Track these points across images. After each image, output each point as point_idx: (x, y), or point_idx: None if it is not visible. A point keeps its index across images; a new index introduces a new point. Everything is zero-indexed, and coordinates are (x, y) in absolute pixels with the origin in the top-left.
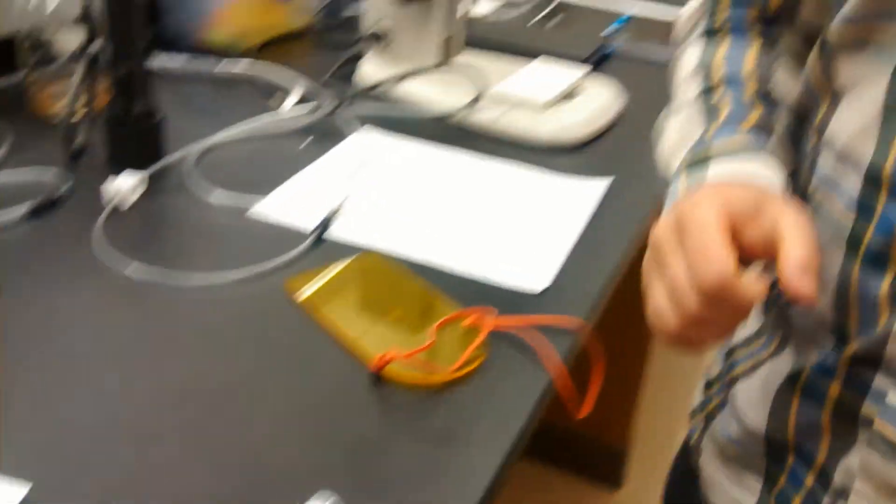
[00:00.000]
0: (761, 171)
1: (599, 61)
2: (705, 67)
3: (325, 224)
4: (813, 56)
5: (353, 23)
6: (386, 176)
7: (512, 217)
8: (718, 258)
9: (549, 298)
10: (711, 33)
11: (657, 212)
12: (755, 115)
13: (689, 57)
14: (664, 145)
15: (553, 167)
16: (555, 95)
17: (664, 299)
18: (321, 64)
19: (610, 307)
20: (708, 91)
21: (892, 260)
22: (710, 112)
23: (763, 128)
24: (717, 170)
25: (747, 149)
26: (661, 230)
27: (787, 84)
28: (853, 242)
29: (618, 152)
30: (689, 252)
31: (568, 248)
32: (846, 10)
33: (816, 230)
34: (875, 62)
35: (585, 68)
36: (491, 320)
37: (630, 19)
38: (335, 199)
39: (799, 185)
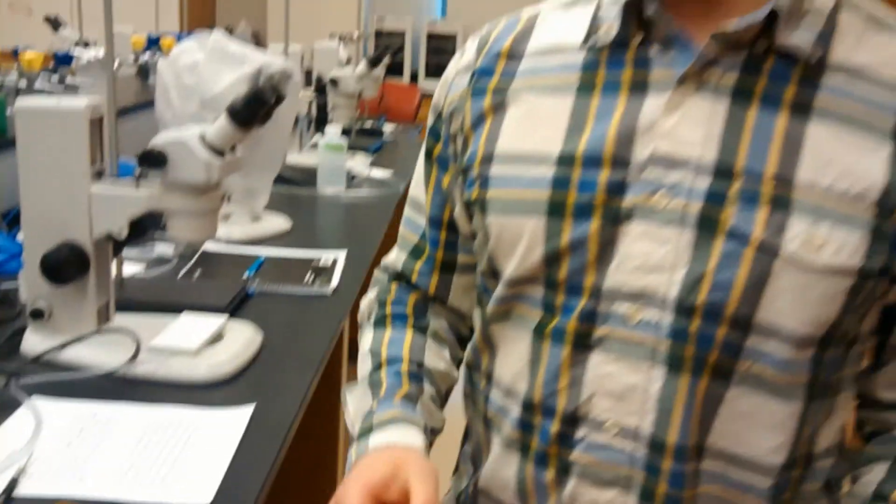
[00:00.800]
0: (404, 439)
1: (241, 302)
2: (374, 350)
3: (10, 486)
4: (477, 326)
5: (11, 297)
6: (64, 434)
7: (178, 448)
8: None
9: None
10: (380, 322)
11: (296, 427)
12: (405, 389)
13: (365, 340)
14: (348, 416)
15: (209, 401)
16: (203, 342)
17: None
18: None
19: None
20: (376, 369)
21: (552, 457)
22: (375, 387)
23: (412, 397)
24: (375, 440)
25: (396, 420)
26: None
27: (443, 350)
28: (524, 448)
29: (261, 381)
30: None
31: (225, 467)
32: (496, 294)
33: (498, 441)
34: (519, 328)
35: (225, 315)
36: None
37: (265, 261)
38: (17, 463)
39: (478, 411)
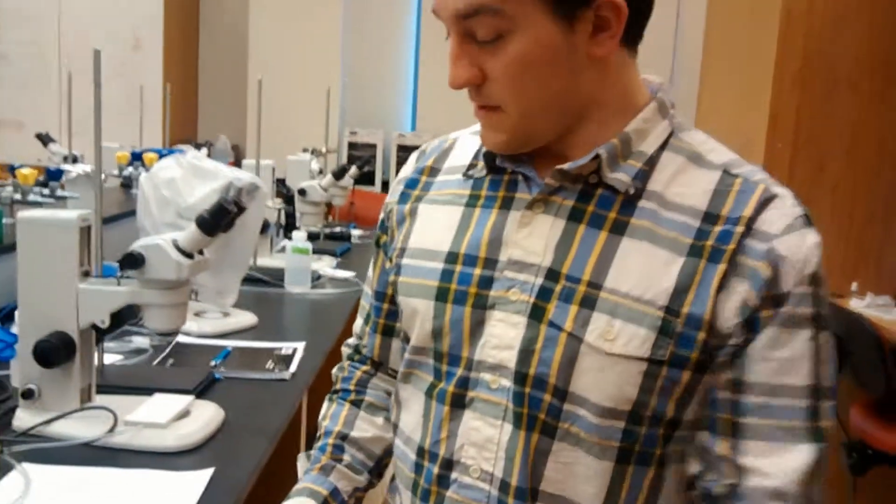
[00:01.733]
0: None
1: (208, 385)
2: (319, 424)
3: None
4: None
5: (3, 382)
6: (51, 493)
7: None
8: None
9: None
10: (330, 397)
11: (250, 488)
12: (324, 461)
13: (321, 412)
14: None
15: (176, 467)
16: (171, 417)
17: None
18: None
19: None
20: (316, 441)
21: (433, 494)
22: (309, 459)
23: (327, 469)
24: None
25: (301, 492)
26: None
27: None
28: (415, 487)
29: (222, 450)
30: None
31: None
32: (405, 358)
33: (401, 480)
34: (417, 389)
35: (192, 396)
36: None
37: (231, 351)
38: None
39: (394, 456)
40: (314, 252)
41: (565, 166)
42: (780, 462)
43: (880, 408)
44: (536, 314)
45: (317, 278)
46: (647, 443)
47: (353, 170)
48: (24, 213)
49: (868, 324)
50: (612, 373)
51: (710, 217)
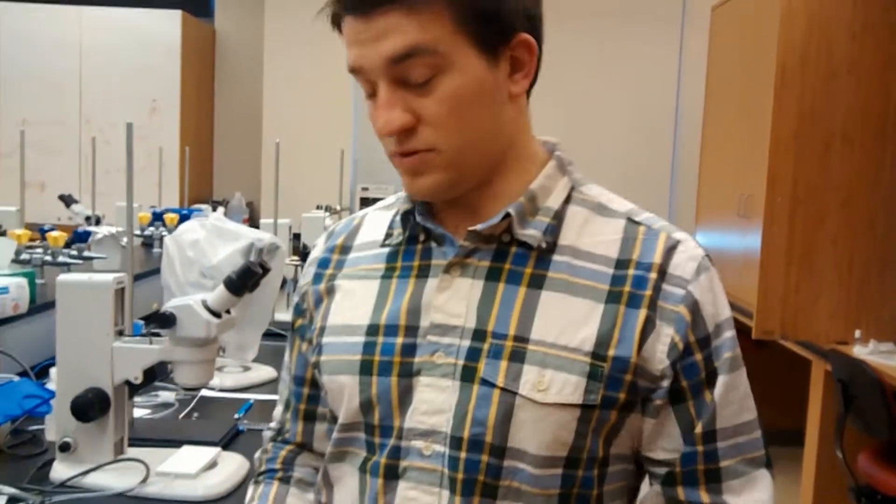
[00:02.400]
0: None
1: (233, 437)
2: None
3: None
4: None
5: (38, 436)
6: None
7: None
8: None
9: None
10: (257, 479)
11: None
12: None
13: (247, 496)
14: None
15: None
16: (200, 468)
17: None
18: (17, 469)
19: None
20: None
21: None
22: None
23: None
24: None
25: None
26: None
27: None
28: None
29: None
30: None
31: None
32: (333, 437)
33: None
34: (350, 465)
35: (219, 448)
36: None
37: (253, 404)
38: None
39: None
40: None
41: (478, 227)
42: (753, 494)
43: (887, 453)
44: (467, 375)
45: None
46: (584, 484)
47: None
48: (62, 277)
49: (871, 370)
50: (548, 422)
51: (621, 263)
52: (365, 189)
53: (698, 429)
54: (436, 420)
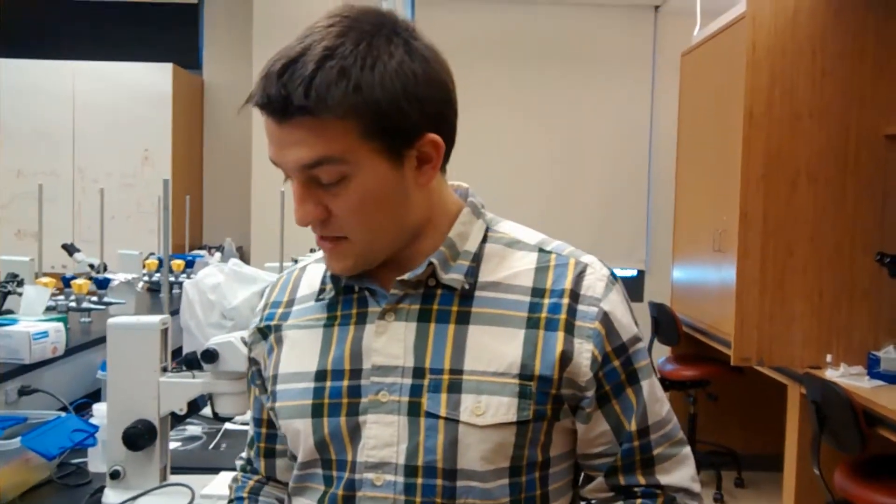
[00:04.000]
0: None
1: None
2: None
3: None
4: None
5: (82, 468)
6: None
7: None
8: None
9: None
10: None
11: None
12: None
13: None
14: None
15: None
16: None
17: None
18: (69, 498)
19: None
20: None
21: None
22: None
23: None
24: None
25: None
26: None
27: None
28: None
29: None
30: None
31: None
32: (294, 474)
33: None
34: (309, 500)
35: None
36: None
37: None
38: None
39: None
40: None
41: (405, 276)
42: (682, 471)
43: (860, 468)
44: (413, 410)
45: None
46: (529, 488)
47: None
48: (113, 320)
49: (842, 391)
50: (490, 441)
51: (537, 291)
52: None
53: (633, 426)
54: (385, 453)
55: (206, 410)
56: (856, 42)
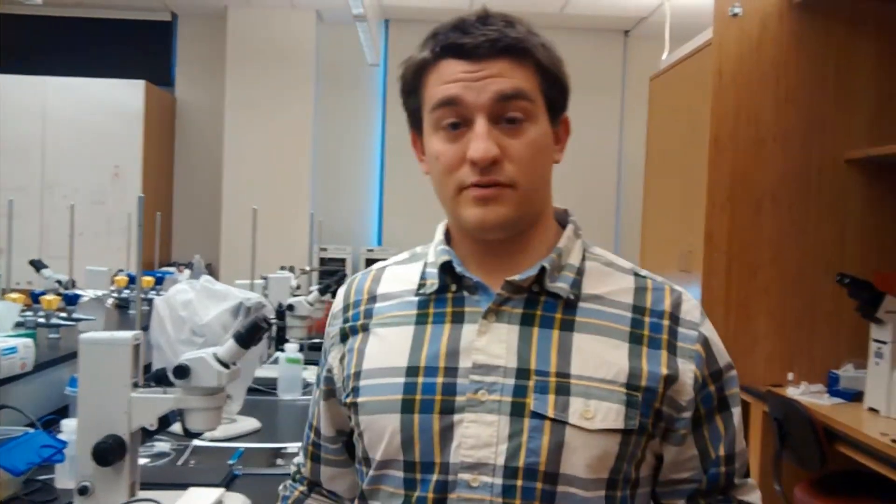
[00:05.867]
0: None
1: (231, 481)
2: None
3: None
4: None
5: (49, 484)
6: None
7: None
8: None
9: None
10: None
11: None
12: None
13: None
14: None
15: None
16: None
17: None
18: None
19: None
20: None
21: None
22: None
23: None
24: None
25: None
26: None
27: None
28: None
29: None
30: None
31: None
32: (368, 476)
33: None
34: (387, 502)
35: (222, 488)
36: None
37: (244, 451)
38: None
39: None
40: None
41: (515, 278)
42: (751, 495)
43: (819, 484)
44: (517, 410)
45: (306, 386)
46: None
47: (335, 286)
48: (85, 336)
49: (803, 409)
50: (597, 448)
51: (638, 309)
52: (324, 249)
53: (722, 452)
54: (483, 453)
55: (176, 427)
56: (817, 70)
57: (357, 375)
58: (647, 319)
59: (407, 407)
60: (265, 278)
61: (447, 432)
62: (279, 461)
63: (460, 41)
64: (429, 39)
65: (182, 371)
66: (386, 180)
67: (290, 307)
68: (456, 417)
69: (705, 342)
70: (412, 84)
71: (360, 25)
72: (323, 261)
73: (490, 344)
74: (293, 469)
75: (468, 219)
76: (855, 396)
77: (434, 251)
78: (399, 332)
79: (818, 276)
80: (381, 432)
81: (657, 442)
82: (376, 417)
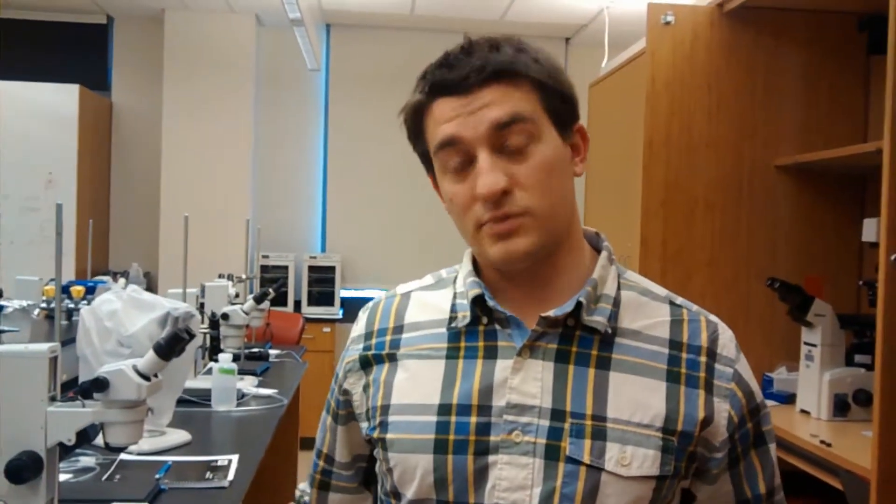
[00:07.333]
0: None
1: (156, 496)
2: None
3: None
4: None
5: None
6: None
7: None
8: None
9: None
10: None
11: None
12: None
13: None
14: None
15: None
16: None
17: None
18: None
19: None
20: None
21: None
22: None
23: None
24: None
25: None
26: None
27: None
28: None
29: None
30: None
31: None
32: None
33: None
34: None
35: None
36: None
37: (172, 465)
38: None
39: None
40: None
41: (550, 313)
42: None
43: None
44: (551, 453)
45: (241, 397)
46: None
47: (272, 293)
48: (1, 348)
49: None
50: (631, 494)
51: (675, 344)
52: (265, 257)
53: (762, 489)
54: (517, 496)
55: (100, 440)
56: (747, 79)
57: (385, 409)
58: (683, 356)
59: (440, 447)
60: (203, 287)
61: (481, 473)
62: (209, 475)
63: (447, 77)
64: (420, 80)
65: (101, 384)
66: (329, 186)
67: (225, 316)
68: (490, 459)
69: (740, 380)
70: (414, 129)
71: (298, 30)
72: (265, 268)
73: (524, 383)
74: (297, 493)
75: (492, 255)
76: (788, 399)
77: (463, 281)
78: (430, 367)
79: (751, 280)
80: (412, 471)
81: (686, 482)
82: (408, 456)
